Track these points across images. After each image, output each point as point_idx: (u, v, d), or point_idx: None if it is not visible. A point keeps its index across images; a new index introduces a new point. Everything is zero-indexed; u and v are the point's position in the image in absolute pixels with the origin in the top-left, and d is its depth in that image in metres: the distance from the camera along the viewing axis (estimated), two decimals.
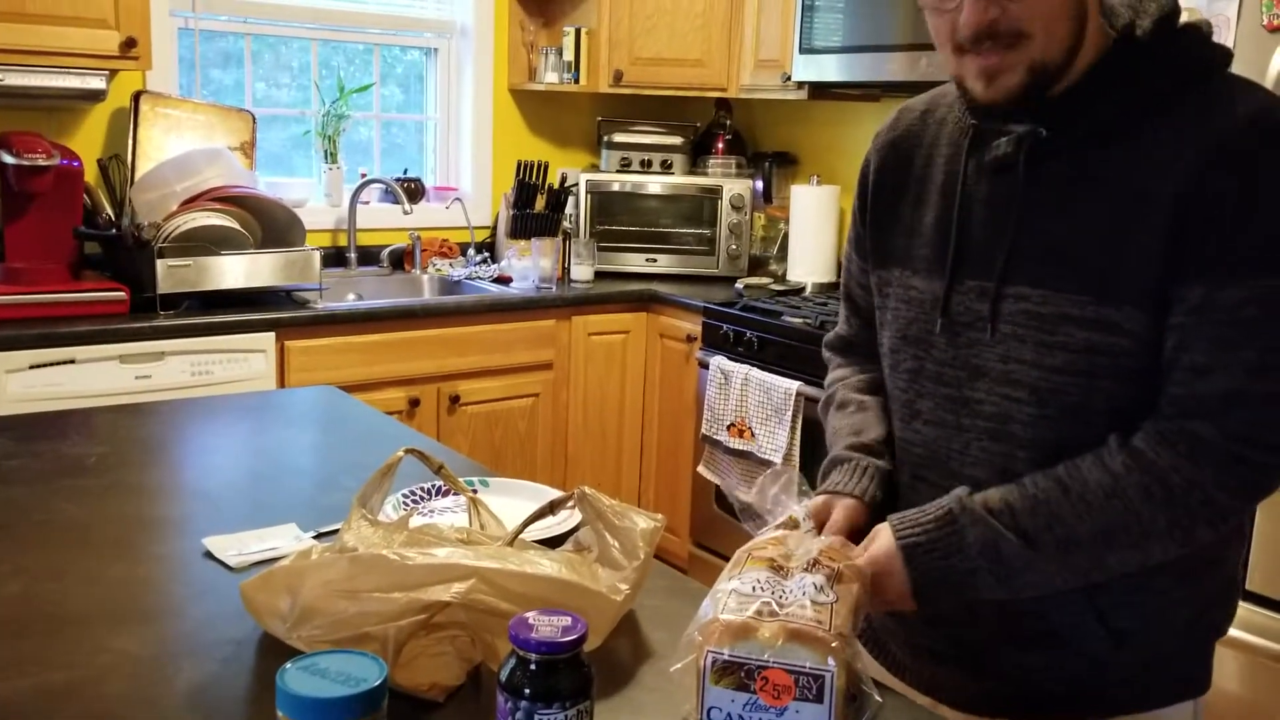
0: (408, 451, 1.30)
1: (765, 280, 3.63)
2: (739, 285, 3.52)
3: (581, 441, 3.63)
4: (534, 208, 3.77)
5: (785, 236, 3.83)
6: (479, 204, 3.99)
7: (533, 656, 0.87)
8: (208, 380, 2.84)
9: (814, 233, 3.62)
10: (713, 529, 3.43)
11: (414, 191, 3.78)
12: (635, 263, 3.89)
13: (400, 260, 3.79)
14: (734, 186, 3.82)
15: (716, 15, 3.77)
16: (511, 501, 1.49)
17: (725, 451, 3.22)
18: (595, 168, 4.08)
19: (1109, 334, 1.07)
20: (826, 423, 1.40)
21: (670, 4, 3.76)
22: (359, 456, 1.75)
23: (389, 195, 3.79)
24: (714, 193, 3.84)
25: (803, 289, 3.54)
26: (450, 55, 3.98)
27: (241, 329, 2.89)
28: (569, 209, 3.84)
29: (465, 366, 3.30)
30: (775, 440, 3.02)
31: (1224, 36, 2.07)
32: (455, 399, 3.29)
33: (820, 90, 3.43)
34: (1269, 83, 1.97)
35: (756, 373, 3.09)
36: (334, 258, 3.67)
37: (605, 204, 3.88)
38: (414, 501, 1.51)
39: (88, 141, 3.22)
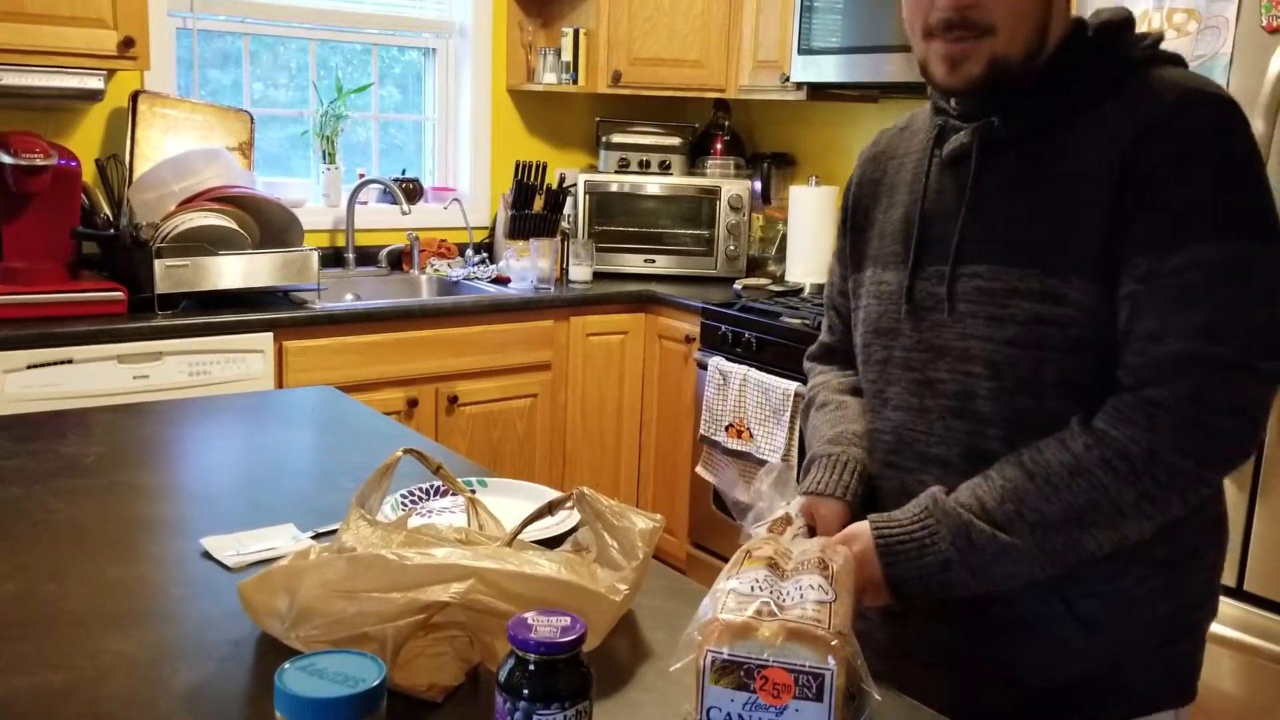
0: (406, 452, 1.30)
1: (763, 281, 3.63)
2: (737, 286, 3.52)
3: (580, 442, 3.63)
4: (532, 208, 3.77)
5: (783, 237, 3.82)
6: (477, 204, 3.98)
7: (531, 657, 0.87)
8: (205, 380, 2.84)
9: (812, 234, 3.62)
10: (711, 529, 3.42)
11: (412, 192, 3.78)
12: (633, 263, 3.88)
13: (398, 261, 3.79)
14: (732, 187, 3.82)
15: (715, 16, 3.77)
16: (510, 502, 1.48)
17: (723, 452, 3.22)
18: (593, 168, 4.08)
19: (1056, 305, 1.11)
20: (807, 425, 1.45)
21: (669, 5, 3.76)
22: (357, 457, 1.74)
23: (387, 195, 3.79)
24: (712, 193, 3.84)
25: (801, 290, 3.54)
26: (449, 55, 3.98)
27: (239, 329, 2.88)
28: (567, 209, 3.84)
29: (463, 367, 3.30)
30: (773, 441, 3.02)
31: (1223, 37, 2.07)
32: (453, 399, 3.28)
33: (819, 91, 3.44)
34: (1268, 83, 1.97)
35: (755, 373, 3.09)
36: (332, 258, 3.66)
37: (603, 204, 3.88)
38: (412, 502, 1.50)
39: (86, 141, 3.22)
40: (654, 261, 3.89)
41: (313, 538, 1.40)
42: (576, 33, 3.78)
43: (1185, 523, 1.12)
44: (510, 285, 3.59)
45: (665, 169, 3.94)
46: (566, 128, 4.17)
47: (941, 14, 1.14)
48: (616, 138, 3.96)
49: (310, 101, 3.74)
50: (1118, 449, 1.07)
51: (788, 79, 3.43)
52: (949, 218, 1.22)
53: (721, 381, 3.20)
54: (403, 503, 1.49)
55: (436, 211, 3.89)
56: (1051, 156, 1.15)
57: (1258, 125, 1.99)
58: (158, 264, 2.81)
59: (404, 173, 3.86)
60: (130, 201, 2.98)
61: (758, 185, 3.99)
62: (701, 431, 3.29)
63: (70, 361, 2.66)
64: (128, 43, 2.87)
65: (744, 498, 1.26)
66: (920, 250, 1.24)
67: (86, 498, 1.54)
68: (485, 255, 3.88)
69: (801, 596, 0.97)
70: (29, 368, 2.61)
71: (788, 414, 2.97)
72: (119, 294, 2.83)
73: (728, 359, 3.21)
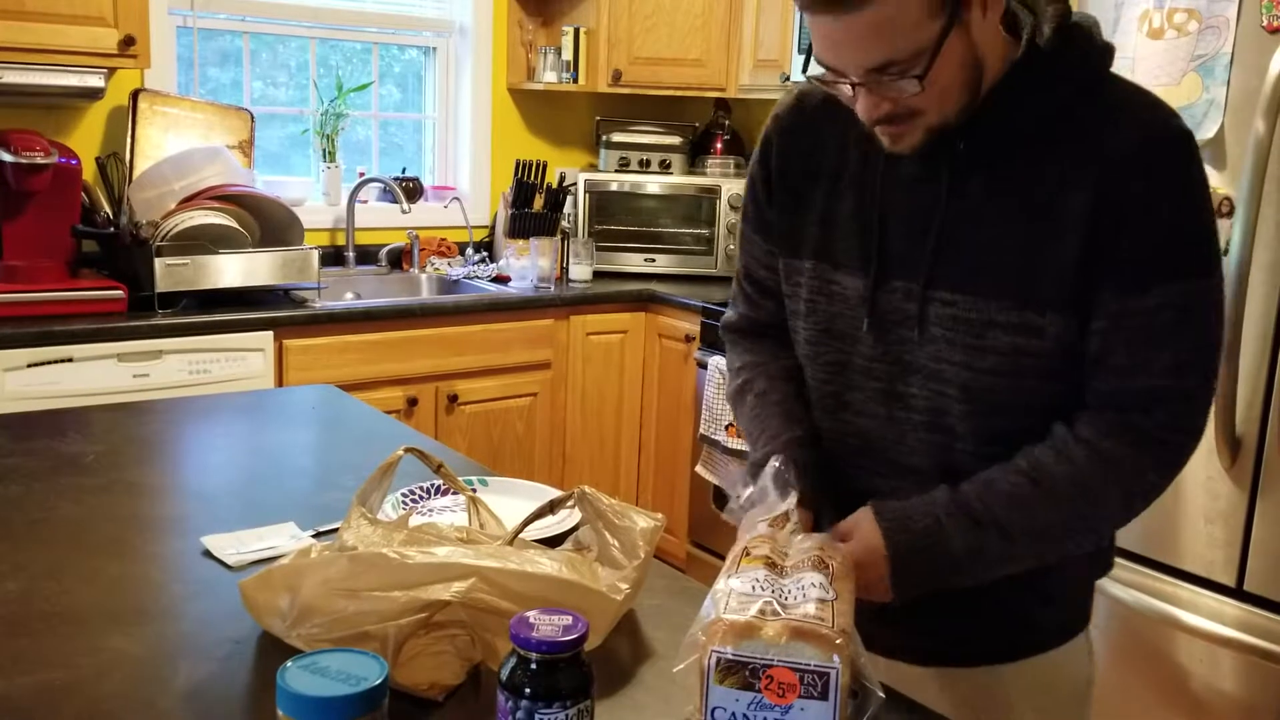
0: (407, 450, 1.30)
1: None
2: None
3: (579, 441, 3.63)
4: (532, 207, 3.77)
5: None
6: (477, 203, 3.98)
7: (533, 656, 0.87)
8: (206, 379, 2.83)
9: None
10: (711, 529, 3.42)
11: (412, 191, 3.78)
12: (633, 262, 3.88)
13: (398, 259, 3.79)
14: (732, 186, 3.82)
15: (715, 15, 3.77)
16: (511, 501, 1.48)
17: (723, 451, 3.22)
18: (594, 167, 4.08)
19: (1033, 337, 1.14)
20: (743, 406, 1.39)
21: (669, 4, 3.76)
22: (357, 456, 1.74)
23: (387, 194, 3.79)
24: (712, 192, 3.84)
25: None
26: (449, 54, 3.98)
27: (239, 328, 2.88)
28: (567, 208, 3.83)
29: (463, 366, 3.30)
30: None
31: (1224, 37, 2.07)
32: (453, 398, 3.28)
33: None
34: (1269, 83, 1.97)
35: None
36: (332, 257, 3.66)
37: (604, 204, 3.88)
38: (413, 500, 1.50)
39: (86, 139, 3.22)
40: (654, 261, 3.89)
41: (313, 536, 1.40)
42: (577, 31, 3.78)
43: None
44: (510, 284, 3.59)
45: (665, 168, 3.94)
46: (567, 127, 4.17)
47: (864, 117, 1.12)
48: (617, 137, 3.96)
49: (310, 100, 3.74)
50: (1113, 462, 1.14)
51: (788, 78, 3.43)
52: (914, 232, 1.19)
53: (721, 381, 3.20)
54: (404, 501, 1.49)
55: (436, 210, 3.89)
56: (1022, 179, 1.14)
57: (1258, 125, 1.99)
58: (158, 262, 2.81)
59: (404, 171, 3.86)
60: (130, 200, 2.98)
61: None
62: (701, 431, 3.29)
63: (70, 360, 2.66)
64: (128, 41, 2.87)
65: (741, 491, 1.25)
66: (880, 262, 1.22)
67: (87, 496, 1.54)
68: (485, 254, 3.88)
69: (804, 595, 0.96)
70: (29, 366, 2.61)
71: None
72: (119, 292, 2.83)
73: None
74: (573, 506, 1.26)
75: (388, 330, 3.14)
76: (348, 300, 3.47)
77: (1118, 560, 2.33)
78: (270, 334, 2.93)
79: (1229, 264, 2.02)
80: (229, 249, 2.94)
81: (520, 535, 1.21)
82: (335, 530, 1.21)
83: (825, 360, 1.29)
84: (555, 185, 3.82)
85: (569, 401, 3.57)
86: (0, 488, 1.55)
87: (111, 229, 3.00)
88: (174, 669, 1.09)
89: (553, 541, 1.28)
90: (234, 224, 2.97)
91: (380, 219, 3.80)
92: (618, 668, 1.12)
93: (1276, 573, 2.08)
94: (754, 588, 0.97)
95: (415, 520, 1.24)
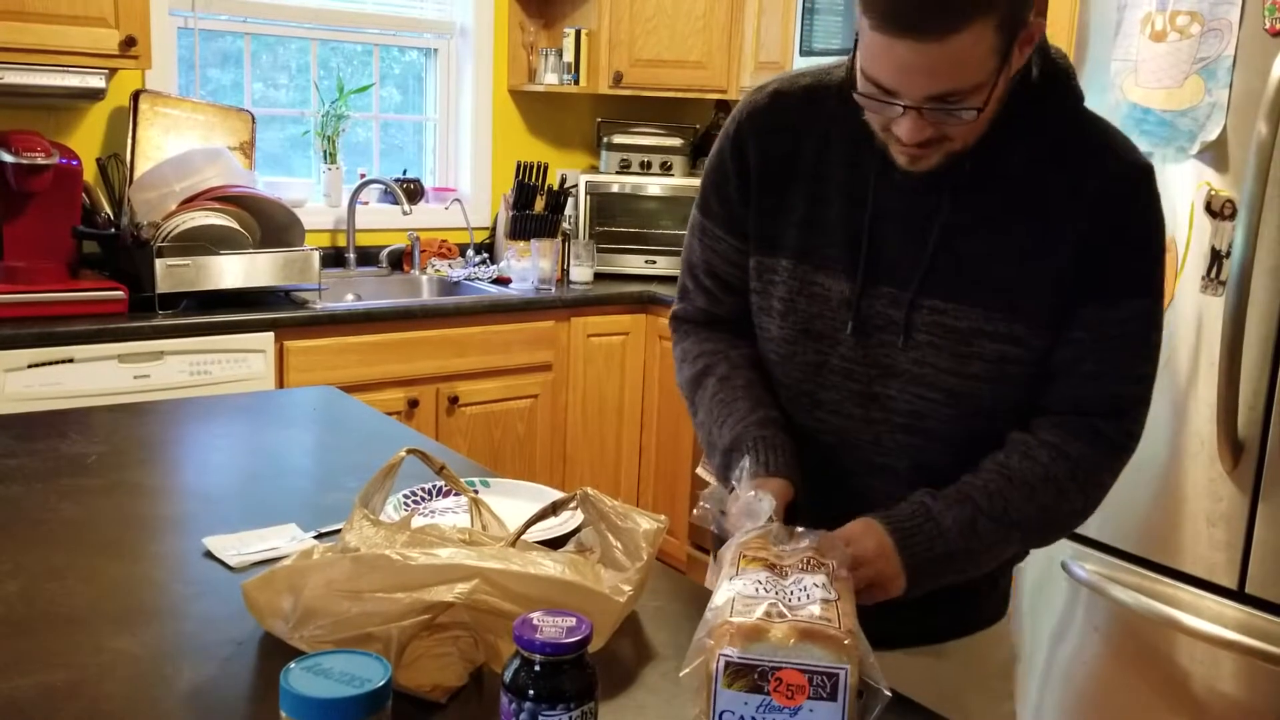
0: (409, 452, 1.30)
1: None
2: None
3: (580, 443, 3.62)
4: (533, 209, 3.77)
5: None
6: (478, 205, 3.98)
7: (537, 657, 0.87)
8: (206, 380, 2.83)
9: None
10: (711, 531, 3.41)
11: (413, 192, 3.77)
12: (634, 264, 3.88)
13: (399, 261, 3.79)
14: None
15: (717, 17, 3.77)
16: (513, 502, 1.48)
17: None
18: (595, 169, 4.08)
19: (1017, 346, 1.22)
20: (702, 390, 1.37)
21: (671, 6, 3.76)
22: (358, 457, 1.74)
23: (388, 196, 3.79)
24: None
25: None
26: (450, 56, 3.98)
27: (240, 329, 2.88)
28: (568, 210, 3.83)
29: (464, 367, 3.30)
30: None
31: (1227, 40, 2.07)
32: (454, 400, 3.28)
33: None
34: (1271, 86, 1.97)
35: None
36: (333, 258, 3.66)
37: (605, 205, 3.88)
38: (415, 502, 1.50)
39: (87, 140, 3.22)
40: (655, 262, 3.89)
41: (315, 537, 1.40)
42: (578, 33, 3.78)
43: None
44: (511, 286, 3.59)
45: (666, 170, 3.94)
46: (568, 128, 4.17)
47: (906, 140, 1.14)
48: (618, 138, 3.96)
49: (311, 101, 3.74)
50: (1077, 461, 1.23)
51: None
52: (908, 242, 1.23)
53: None
54: (406, 503, 1.48)
55: (437, 212, 3.89)
56: (1018, 202, 1.22)
57: (1261, 128, 1.98)
58: (159, 263, 2.81)
59: (405, 173, 3.86)
60: (131, 201, 2.98)
61: None
62: None
63: (71, 361, 2.65)
64: (129, 42, 2.87)
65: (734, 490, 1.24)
66: (869, 267, 1.25)
67: (88, 497, 1.54)
68: (486, 256, 3.88)
69: (807, 596, 0.96)
70: (30, 367, 2.61)
71: None
72: (120, 293, 2.83)
73: None
74: (575, 508, 1.26)
75: (388, 332, 3.14)
76: (348, 302, 3.46)
77: (1119, 562, 2.34)
78: (271, 335, 2.93)
79: (1231, 266, 2.02)
80: (230, 250, 2.94)
81: (523, 537, 1.20)
82: (337, 531, 1.21)
83: (801, 360, 1.30)
84: (556, 187, 3.82)
85: (570, 403, 3.57)
86: (1, 488, 1.55)
87: (112, 230, 3.00)
88: (176, 670, 1.09)
89: (555, 543, 1.28)
90: (235, 225, 2.97)
91: (381, 220, 3.80)
92: (620, 669, 1.12)
93: (1278, 575, 2.08)
94: (758, 590, 0.97)
95: (418, 522, 1.24)
